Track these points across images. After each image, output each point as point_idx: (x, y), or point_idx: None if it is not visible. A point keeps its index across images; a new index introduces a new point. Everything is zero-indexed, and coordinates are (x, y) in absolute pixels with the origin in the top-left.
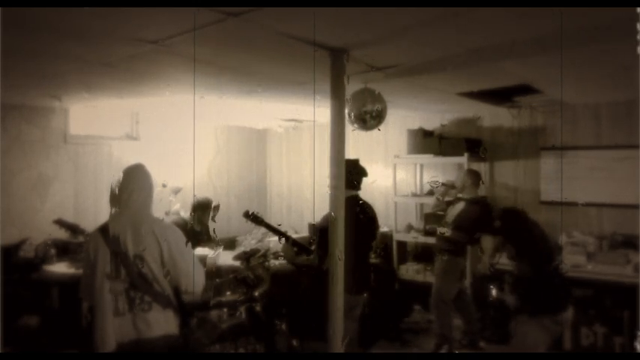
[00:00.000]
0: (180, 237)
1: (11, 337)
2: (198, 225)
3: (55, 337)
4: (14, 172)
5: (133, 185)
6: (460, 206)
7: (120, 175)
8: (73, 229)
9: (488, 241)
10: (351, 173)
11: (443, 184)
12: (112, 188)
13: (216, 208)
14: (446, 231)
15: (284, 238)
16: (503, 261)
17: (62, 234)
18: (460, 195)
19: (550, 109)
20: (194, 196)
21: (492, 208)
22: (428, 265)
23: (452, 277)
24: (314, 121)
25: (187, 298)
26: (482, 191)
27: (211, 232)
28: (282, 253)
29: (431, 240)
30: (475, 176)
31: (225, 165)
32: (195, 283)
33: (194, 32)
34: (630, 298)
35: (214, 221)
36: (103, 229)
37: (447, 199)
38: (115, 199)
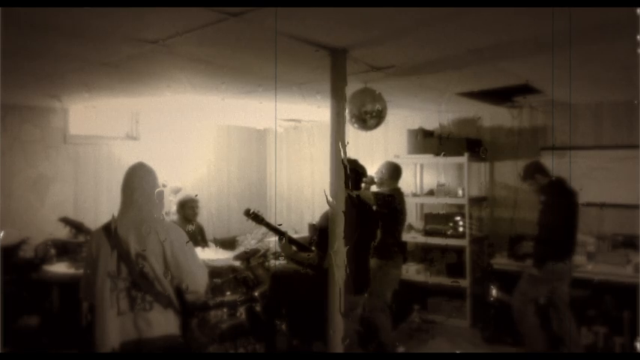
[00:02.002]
0: (182, 236)
1: (11, 337)
2: (185, 223)
3: (55, 337)
4: (14, 172)
5: (135, 184)
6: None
7: (124, 174)
8: (78, 227)
9: None
10: (351, 173)
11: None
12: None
13: (195, 202)
14: None
15: (284, 238)
16: None
17: (62, 234)
18: (378, 189)
19: (550, 109)
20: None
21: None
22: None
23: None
24: (312, 121)
25: (189, 298)
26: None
27: (206, 232)
28: (282, 253)
29: (431, 240)
30: (394, 169)
31: (225, 165)
32: (198, 282)
33: (194, 32)
34: (630, 298)
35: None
36: (106, 228)
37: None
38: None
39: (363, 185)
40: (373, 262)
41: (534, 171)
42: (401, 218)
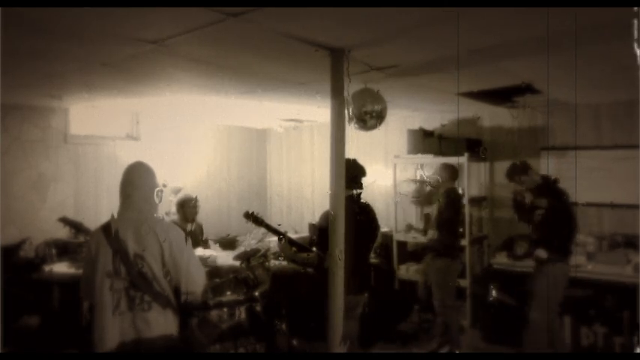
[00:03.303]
0: (181, 237)
1: (11, 337)
2: (185, 222)
3: (55, 337)
4: (14, 171)
5: (135, 184)
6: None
7: (123, 173)
8: (77, 227)
9: None
10: (351, 173)
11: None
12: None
13: (194, 201)
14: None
15: (283, 238)
16: None
17: (63, 234)
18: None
19: (550, 109)
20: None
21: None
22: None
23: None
24: (312, 121)
25: (188, 298)
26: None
27: (206, 232)
28: (282, 254)
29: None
30: (451, 170)
31: (225, 165)
32: (195, 283)
33: (194, 32)
34: (630, 298)
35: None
36: (106, 228)
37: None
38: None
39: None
40: (441, 261)
41: (517, 172)
42: (458, 218)
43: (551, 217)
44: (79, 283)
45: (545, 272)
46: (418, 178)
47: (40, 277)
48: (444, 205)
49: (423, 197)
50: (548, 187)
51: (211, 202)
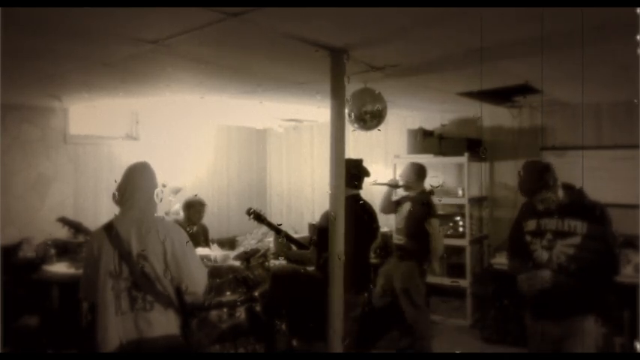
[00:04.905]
0: (183, 237)
1: (11, 337)
2: (188, 223)
3: (55, 337)
4: (14, 171)
5: (137, 184)
6: (407, 207)
7: (123, 173)
8: (76, 227)
9: None
10: (353, 173)
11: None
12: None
13: (202, 205)
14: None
15: (281, 236)
16: None
17: (62, 234)
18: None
19: (550, 109)
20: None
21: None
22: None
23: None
24: (312, 121)
25: (189, 298)
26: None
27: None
28: (277, 250)
29: None
30: (419, 170)
31: (225, 165)
32: (197, 283)
33: (194, 32)
34: (630, 298)
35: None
36: (108, 228)
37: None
38: (120, 197)
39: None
40: (404, 265)
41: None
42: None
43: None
44: (78, 283)
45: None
46: (387, 181)
47: (40, 277)
48: (412, 209)
49: (386, 206)
50: None
51: (211, 202)
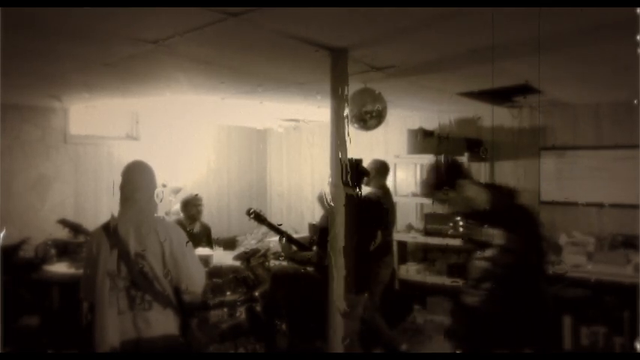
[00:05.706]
0: (182, 236)
1: (11, 337)
2: (189, 222)
3: (55, 337)
4: (14, 172)
5: (136, 183)
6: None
7: (122, 173)
8: (76, 228)
9: None
10: (352, 173)
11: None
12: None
13: (198, 200)
14: None
15: (284, 238)
16: None
17: (62, 234)
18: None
19: (550, 109)
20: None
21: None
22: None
23: None
24: (312, 121)
25: (188, 298)
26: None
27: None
28: (282, 253)
29: (431, 240)
30: (380, 165)
31: (226, 165)
32: (195, 283)
33: (194, 32)
34: (630, 298)
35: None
36: (106, 227)
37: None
38: (120, 196)
39: None
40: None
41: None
42: (390, 218)
43: None
44: (78, 283)
45: None
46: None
47: (40, 277)
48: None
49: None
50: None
51: (211, 202)
